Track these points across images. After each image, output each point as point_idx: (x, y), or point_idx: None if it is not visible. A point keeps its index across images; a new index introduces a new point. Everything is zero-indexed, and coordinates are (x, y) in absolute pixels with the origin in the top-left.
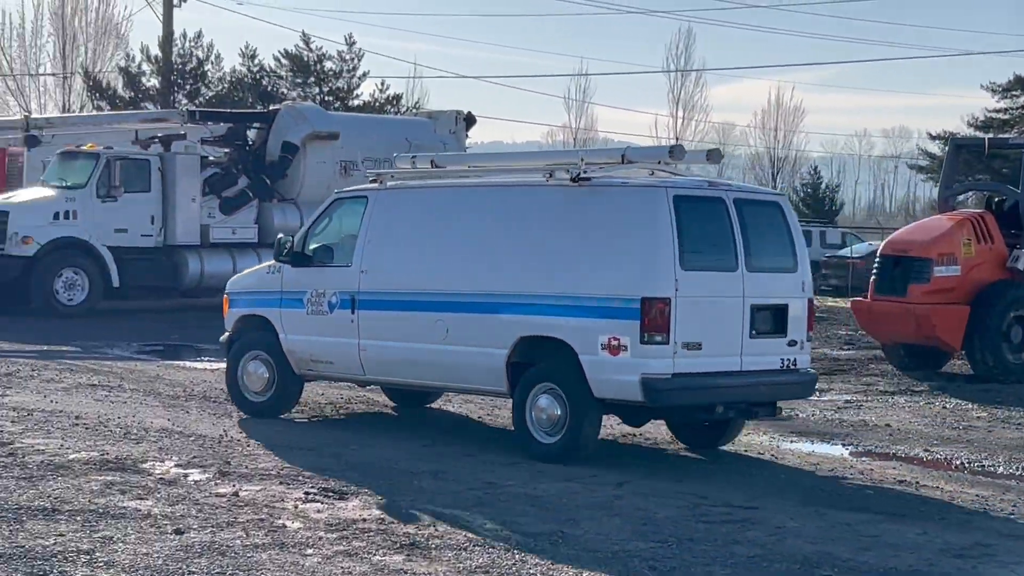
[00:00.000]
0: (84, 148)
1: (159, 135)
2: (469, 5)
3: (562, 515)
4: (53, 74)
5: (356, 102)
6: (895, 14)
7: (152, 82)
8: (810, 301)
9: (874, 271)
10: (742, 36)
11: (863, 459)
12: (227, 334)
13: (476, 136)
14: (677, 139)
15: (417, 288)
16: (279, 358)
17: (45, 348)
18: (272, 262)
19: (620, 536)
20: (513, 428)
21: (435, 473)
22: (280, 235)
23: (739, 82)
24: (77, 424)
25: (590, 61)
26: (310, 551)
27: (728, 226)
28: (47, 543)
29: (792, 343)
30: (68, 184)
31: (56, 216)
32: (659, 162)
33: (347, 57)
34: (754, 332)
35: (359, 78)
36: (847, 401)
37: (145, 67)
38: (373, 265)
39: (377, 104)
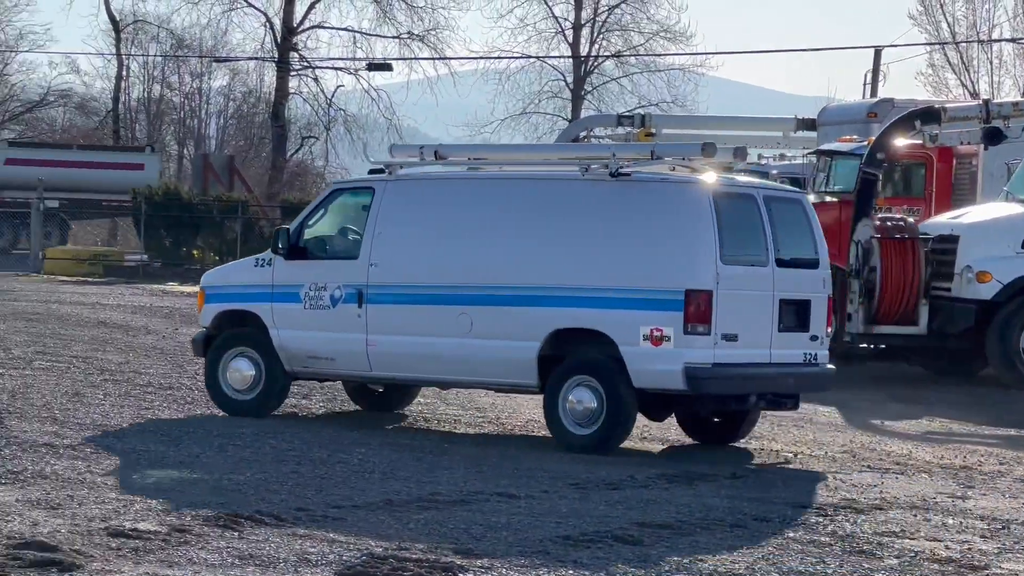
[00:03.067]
0: None
1: None
2: None
3: None
4: (1013, 40)
5: None
6: None
7: None
8: (830, 298)
9: None
10: None
11: None
12: (203, 330)
13: None
14: None
15: (437, 281)
16: (267, 355)
17: (1013, 433)
18: (260, 255)
19: None
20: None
21: None
22: (278, 226)
23: None
24: None
25: None
26: None
27: (760, 222)
28: None
29: (814, 338)
30: None
31: None
32: (683, 158)
33: None
34: (782, 326)
35: None
36: None
37: None
38: (385, 258)
39: None
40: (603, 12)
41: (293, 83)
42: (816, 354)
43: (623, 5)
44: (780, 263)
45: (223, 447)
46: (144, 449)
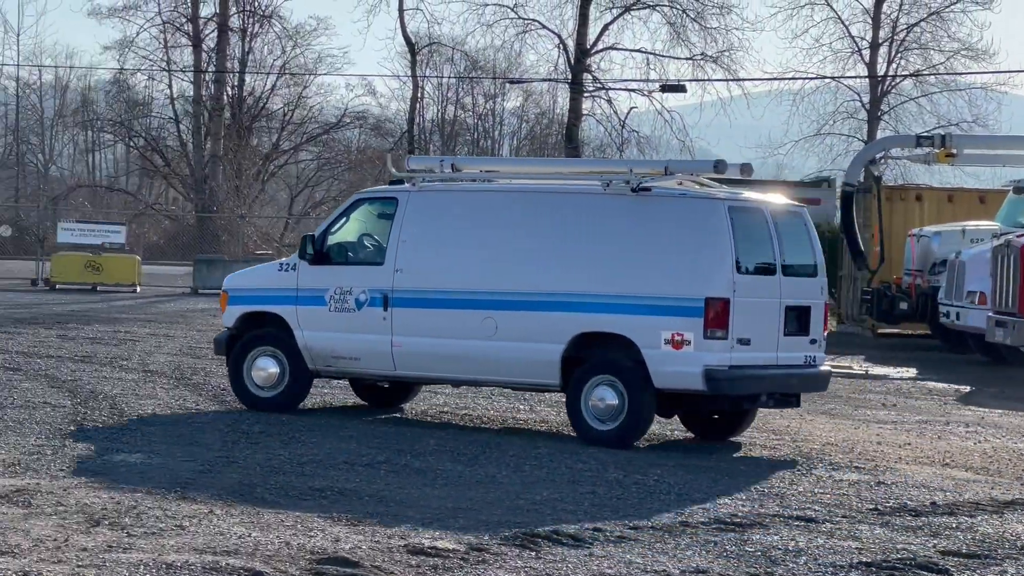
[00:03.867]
0: None
1: None
2: None
3: None
4: None
5: None
6: None
7: None
8: (826, 305)
9: None
10: None
11: None
12: (226, 330)
13: None
14: None
15: (463, 287)
16: (291, 354)
17: None
18: (283, 260)
19: None
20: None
21: None
22: (305, 234)
23: None
24: None
25: None
26: None
27: (768, 234)
28: None
29: (813, 341)
30: None
31: None
32: (692, 174)
33: None
34: (787, 330)
35: None
36: None
37: None
38: (410, 263)
39: None
40: (901, 31)
41: (586, 104)
42: (815, 356)
43: (923, 24)
44: (786, 272)
45: (518, 466)
46: (440, 468)
